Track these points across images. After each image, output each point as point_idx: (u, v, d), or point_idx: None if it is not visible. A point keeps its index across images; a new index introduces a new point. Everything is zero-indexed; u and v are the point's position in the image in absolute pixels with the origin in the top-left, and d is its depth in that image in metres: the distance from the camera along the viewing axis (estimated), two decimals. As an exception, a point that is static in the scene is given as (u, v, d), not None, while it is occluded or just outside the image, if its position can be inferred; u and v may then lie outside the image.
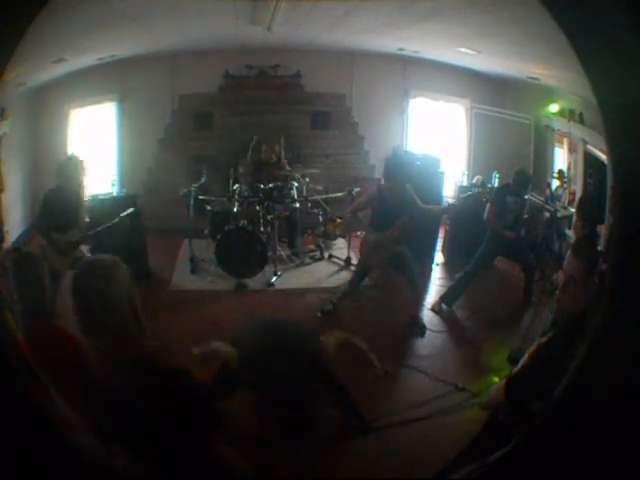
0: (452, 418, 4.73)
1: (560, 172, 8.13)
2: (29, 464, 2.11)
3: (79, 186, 6.21)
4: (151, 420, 2.36)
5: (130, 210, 6.89)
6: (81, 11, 5.17)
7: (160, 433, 2.38)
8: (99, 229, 6.32)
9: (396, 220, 6.20)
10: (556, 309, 3.37)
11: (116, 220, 6.53)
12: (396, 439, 4.51)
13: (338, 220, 8.59)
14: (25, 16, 2.07)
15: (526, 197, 6.86)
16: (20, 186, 7.83)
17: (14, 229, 7.35)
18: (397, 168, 6.29)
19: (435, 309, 6.82)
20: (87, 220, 6.26)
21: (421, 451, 4.32)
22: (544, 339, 3.36)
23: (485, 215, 6.85)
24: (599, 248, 3.86)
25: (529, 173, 7.00)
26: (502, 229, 6.62)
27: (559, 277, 4.71)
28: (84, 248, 6.23)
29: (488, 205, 6.88)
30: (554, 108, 7.68)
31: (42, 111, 8.22)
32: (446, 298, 6.86)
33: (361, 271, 6.71)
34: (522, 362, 3.36)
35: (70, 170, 6.16)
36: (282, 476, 3.92)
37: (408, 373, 5.59)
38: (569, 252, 4.66)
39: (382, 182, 6.41)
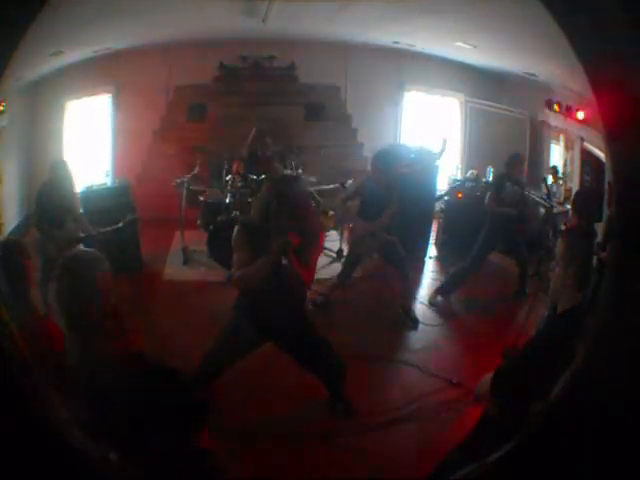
0: (446, 414, 4.75)
1: (554, 168, 8.15)
2: (25, 460, 2.10)
3: (70, 182, 6.20)
4: (138, 415, 2.35)
5: (132, 217, 6.85)
6: (79, 4, 5.14)
7: (148, 428, 2.38)
8: (100, 231, 6.26)
9: (384, 210, 6.18)
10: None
11: (120, 225, 6.50)
12: (389, 436, 4.52)
13: (330, 212, 8.55)
14: (26, 16, 2.05)
15: (525, 183, 6.90)
16: (17, 178, 7.80)
17: (11, 221, 7.32)
18: (386, 161, 6.24)
19: (432, 301, 6.83)
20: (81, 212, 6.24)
21: (415, 448, 4.33)
22: (535, 335, 3.37)
23: (486, 201, 6.86)
24: (596, 246, 3.88)
25: (522, 154, 7.05)
26: (501, 208, 6.65)
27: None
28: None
29: (488, 193, 6.90)
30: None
31: (39, 104, 8.21)
32: (442, 290, 6.88)
33: (350, 262, 6.67)
34: (513, 357, 3.38)
35: (61, 169, 6.17)
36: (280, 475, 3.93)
37: (401, 368, 5.60)
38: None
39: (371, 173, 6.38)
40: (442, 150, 7.98)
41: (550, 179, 8.10)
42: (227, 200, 7.69)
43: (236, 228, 4.18)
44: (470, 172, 8.83)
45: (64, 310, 2.36)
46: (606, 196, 5.97)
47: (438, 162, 8.32)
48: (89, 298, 2.39)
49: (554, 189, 7.95)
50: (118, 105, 9.09)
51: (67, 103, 8.55)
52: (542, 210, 7.60)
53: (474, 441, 3.19)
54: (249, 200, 7.59)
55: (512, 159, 6.89)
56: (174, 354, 4.40)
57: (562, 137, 8.15)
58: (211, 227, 7.31)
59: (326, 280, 6.87)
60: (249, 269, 3.99)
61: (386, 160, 6.24)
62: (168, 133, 9.37)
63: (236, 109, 9.37)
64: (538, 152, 8.63)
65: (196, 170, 8.03)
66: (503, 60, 8.00)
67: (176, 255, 7.86)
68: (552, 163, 8.35)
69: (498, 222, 6.68)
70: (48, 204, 5.94)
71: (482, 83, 9.21)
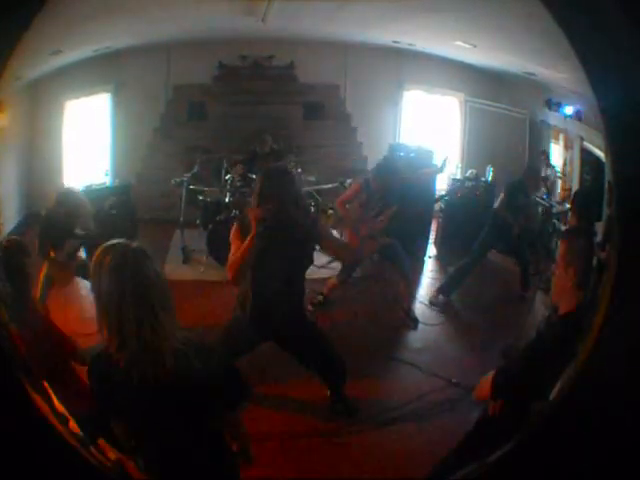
0: (446, 414, 4.75)
1: (544, 152, 8.17)
2: (25, 460, 2.09)
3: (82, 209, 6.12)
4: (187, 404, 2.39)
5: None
6: (78, 3, 5.13)
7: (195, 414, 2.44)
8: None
9: (383, 211, 6.17)
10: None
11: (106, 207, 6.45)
12: (389, 436, 4.52)
13: (330, 211, 8.53)
14: (26, 16, 2.05)
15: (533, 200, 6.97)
16: (16, 178, 7.78)
17: (10, 221, 7.30)
18: (388, 173, 6.25)
19: (432, 300, 6.83)
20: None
21: (414, 448, 4.32)
22: (535, 336, 3.37)
23: (496, 205, 6.89)
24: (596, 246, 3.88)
25: (539, 171, 7.11)
26: (508, 216, 6.68)
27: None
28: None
29: (499, 199, 6.92)
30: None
31: (38, 103, 8.17)
32: (444, 289, 6.88)
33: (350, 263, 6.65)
34: (513, 357, 3.37)
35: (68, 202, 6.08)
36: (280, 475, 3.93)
37: (401, 367, 5.59)
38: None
39: (371, 175, 6.38)
40: (443, 167, 8.00)
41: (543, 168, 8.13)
42: (227, 199, 7.68)
43: (234, 225, 4.20)
44: (470, 171, 8.83)
45: (130, 298, 2.31)
46: (606, 196, 5.98)
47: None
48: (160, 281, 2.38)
49: (549, 172, 7.95)
50: (118, 104, 9.07)
51: (66, 102, 8.52)
52: (542, 209, 7.61)
53: (474, 441, 3.19)
54: (249, 199, 7.58)
55: (530, 173, 6.92)
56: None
57: (562, 137, 8.14)
58: (210, 226, 7.30)
59: (325, 280, 6.86)
60: (237, 252, 4.02)
61: (388, 172, 6.24)
62: (168, 132, 9.35)
63: (235, 108, 9.36)
64: (538, 151, 8.62)
65: (196, 169, 8.02)
66: (503, 60, 7.99)
67: (175, 254, 7.84)
68: (552, 163, 8.34)
69: (501, 224, 6.69)
70: (50, 232, 5.86)
71: (482, 82, 9.18)
